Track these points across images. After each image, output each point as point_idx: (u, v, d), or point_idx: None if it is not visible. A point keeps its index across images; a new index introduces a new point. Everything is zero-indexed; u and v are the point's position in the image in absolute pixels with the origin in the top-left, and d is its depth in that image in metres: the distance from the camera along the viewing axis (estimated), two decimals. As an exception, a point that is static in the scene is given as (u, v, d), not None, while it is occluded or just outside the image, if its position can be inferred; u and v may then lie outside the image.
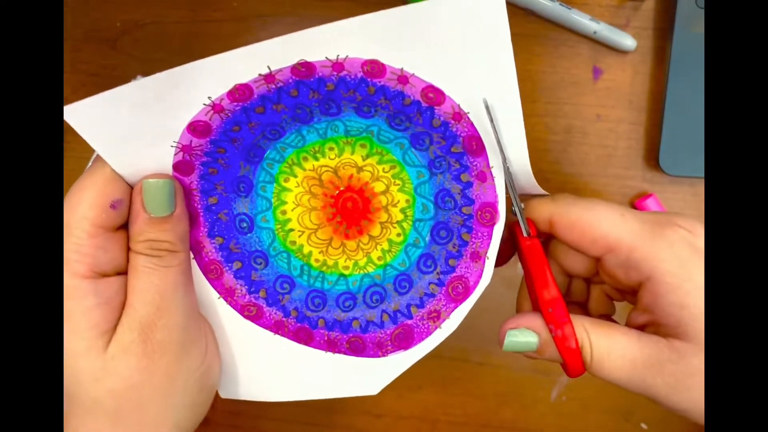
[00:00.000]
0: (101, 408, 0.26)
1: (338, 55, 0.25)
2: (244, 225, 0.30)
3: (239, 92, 0.26)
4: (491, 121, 0.26)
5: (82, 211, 0.25)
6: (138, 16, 0.42)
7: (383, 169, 0.30)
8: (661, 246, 0.25)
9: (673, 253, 0.25)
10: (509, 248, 0.30)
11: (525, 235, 0.28)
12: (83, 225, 0.25)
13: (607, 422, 0.44)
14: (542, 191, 0.29)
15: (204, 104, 0.26)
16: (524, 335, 0.27)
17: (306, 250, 0.30)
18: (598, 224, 0.27)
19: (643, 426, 0.44)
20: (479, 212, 0.29)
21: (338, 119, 0.28)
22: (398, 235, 0.30)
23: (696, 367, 0.24)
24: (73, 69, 0.42)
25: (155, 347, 0.26)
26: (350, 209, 0.30)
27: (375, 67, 0.26)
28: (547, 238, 0.30)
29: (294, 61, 0.25)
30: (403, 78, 0.26)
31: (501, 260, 0.31)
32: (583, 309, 0.31)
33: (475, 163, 0.28)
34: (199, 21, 0.42)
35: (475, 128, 0.27)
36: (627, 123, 0.41)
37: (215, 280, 0.30)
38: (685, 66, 0.39)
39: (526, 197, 0.29)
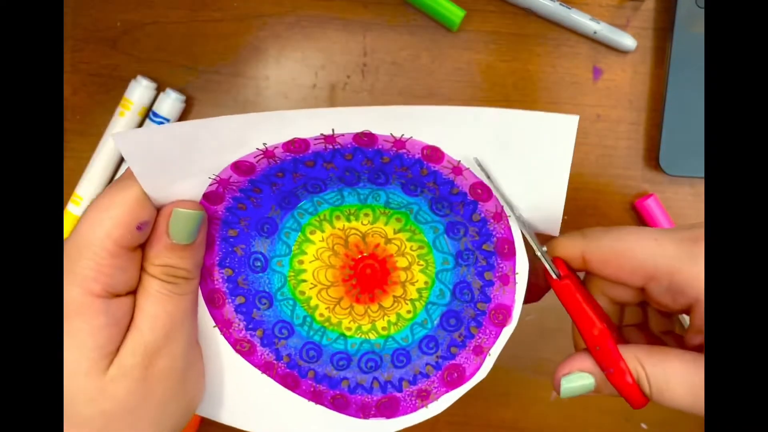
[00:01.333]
0: (88, 427, 0.25)
1: (403, 134, 0.25)
2: (258, 264, 0.29)
3: (296, 145, 0.26)
4: (487, 177, 0.26)
5: (107, 229, 0.24)
6: (138, 16, 0.42)
7: (411, 246, 0.30)
8: (702, 264, 0.24)
9: None
10: (542, 286, 0.29)
11: (555, 277, 0.27)
12: (106, 243, 0.24)
13: (607, 422, 0.44)
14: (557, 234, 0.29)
15: (258, 148, 0.26)
16: (579, 379, 0.26)
17: (313, 302, 0.30)
18: (632, 254, 0.25)
19: (643, 426, 0.44)
20: (493, 311, 0.29)
21: (383, 189, 0.29)
22: (408, 312, 0.30)
23: None
24: (73, 69, 0.42)
25: (156, 374, 0.26)
26: (368, 276, 0.30)
27: (434, 153, 0.26)
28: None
29: (359, 129, 0.25)
30: (458, 169, 0.26)
31: (534, 297, 0.30)
32: (643, 330, 0.30)
33: (501, 266, 0.28)
34: (199, 21, 0.42)
35: (511, 232, 0.27)
36: (627, 123, 0.41)
37: (215, 309, 0.29)
38: (685, 66, 0.39)
39: (548, 236, 0.28)
